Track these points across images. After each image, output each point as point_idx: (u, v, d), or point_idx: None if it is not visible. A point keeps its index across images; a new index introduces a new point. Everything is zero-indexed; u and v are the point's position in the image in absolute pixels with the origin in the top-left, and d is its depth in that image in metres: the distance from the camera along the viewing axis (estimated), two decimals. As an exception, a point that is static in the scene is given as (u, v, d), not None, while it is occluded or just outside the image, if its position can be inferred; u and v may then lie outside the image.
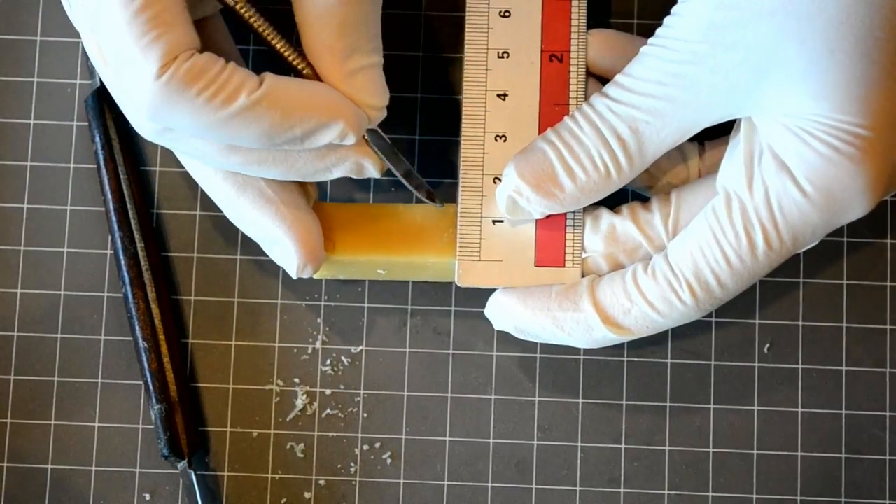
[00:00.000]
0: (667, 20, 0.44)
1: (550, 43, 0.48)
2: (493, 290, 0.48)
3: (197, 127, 0.42)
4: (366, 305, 0.51)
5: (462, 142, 0.48)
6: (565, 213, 0.47)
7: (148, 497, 0.51)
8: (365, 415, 0.51)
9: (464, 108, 0.48)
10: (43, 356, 0.51)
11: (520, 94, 0.48)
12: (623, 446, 0.51)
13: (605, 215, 0.47)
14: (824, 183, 0.42)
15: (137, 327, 0.49)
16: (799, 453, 0.50)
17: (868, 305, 0.51)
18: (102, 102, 0.50)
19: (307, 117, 0.43)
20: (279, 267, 0.51)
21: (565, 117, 0.45)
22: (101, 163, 0.50)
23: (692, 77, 0.43)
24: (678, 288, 0.44)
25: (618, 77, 0.45)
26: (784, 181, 0.43)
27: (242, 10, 0.44)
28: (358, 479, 0.51)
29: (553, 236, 0.47)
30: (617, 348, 0.51)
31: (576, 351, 0.51)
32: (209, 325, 0.51)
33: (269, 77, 0.43)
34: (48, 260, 0.51)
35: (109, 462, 0.51)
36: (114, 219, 0.50)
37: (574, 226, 0.47)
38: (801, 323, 0.51)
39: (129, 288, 0.50)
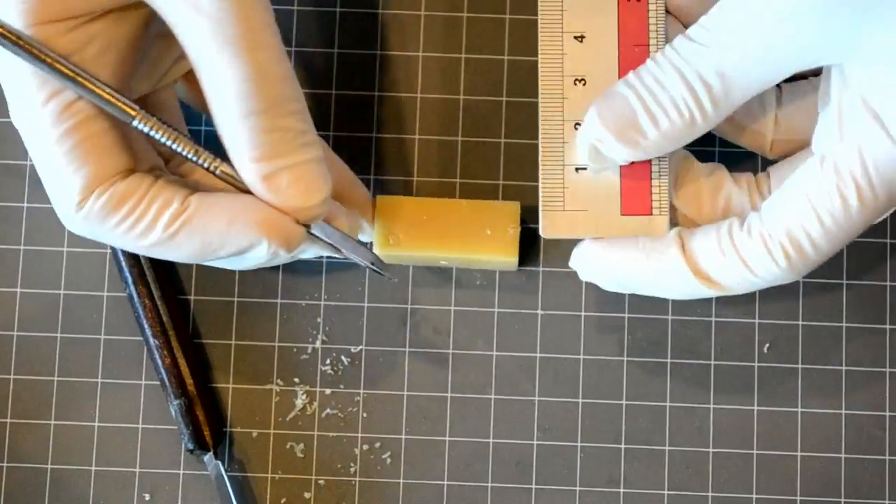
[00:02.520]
0: None
1: None
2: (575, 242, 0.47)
3: (124, 248, 0.43)
4: (366, 305, 0.51)
5: (540, 86, 0.46)
6: (650, 161, 0.45)
7: (148, 497, 0.50)
8: (365, 414, 0.51)
9: (540, 52, 0.46)
10: (43, 356, 0.51)
11: (598, 35, 0.46)
12: (623, 446, 0.51)
13: (727, 181, 0.46)
14: None
15: (146, 326, 0.49)
16: (799, 453, 0.50)
17: (868, 305, 0.51)
18: None
19: (230, 240, 0.42)
20: (279, 266, 0.51)
21: (647, 61, 0.44)
22: None
23: (784, 19, 0.41)
24: (773, 248, 0.43)
25: (703, 19, 0.43)
26: (878, 133, 0.41)
27: (142, 124, 0.42)
28: (358, 479, 0.51)
29: (639, 185, 0.46)
30: (617, 348, 0.51)
31: (575, 351, 0.51)
32: (209, 324, 0.51)
33: (196, 198, 0.42)
34: (48, 259, 0.51)
35: (109, 462, 0.51)
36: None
37: (660, 173, 0.46)
38: (800, 323, 0.51)
39: (133, 287, 0.50)
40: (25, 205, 0.52)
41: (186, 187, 0.43)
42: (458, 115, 0.52)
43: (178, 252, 0.42)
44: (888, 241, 0.51)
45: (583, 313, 0.51)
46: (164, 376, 0.49)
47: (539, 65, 0.46)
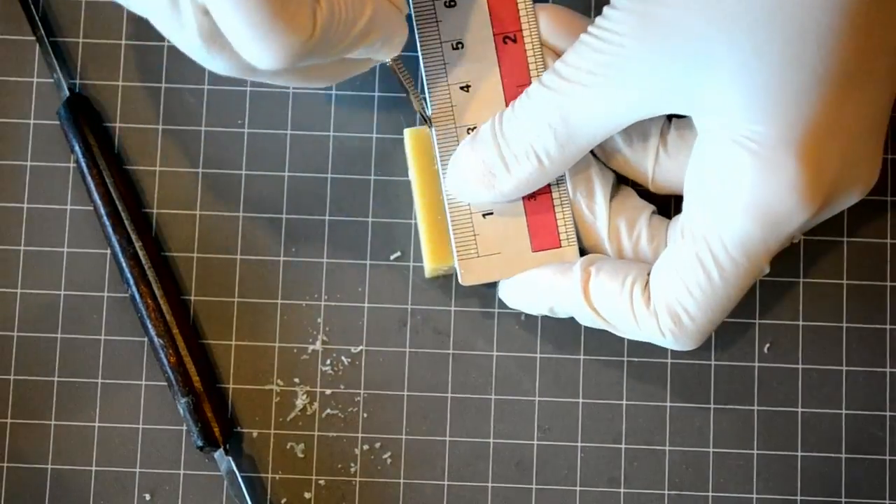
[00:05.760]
0: (605, 10, 0.44)
1: (501, 25, 0.48)
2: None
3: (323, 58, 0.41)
4: (366, 305, 0.51)
5: (437, 140, 0.48)
6: (550, 195, 0.47)
7: (148, 497, 0.50)
8: (365, 415, 0.51)
9: (431, 105, 0.48)
10: (43, 356, 0.51)
11: (482, 83, 0.48)
12: (623, 446, 0.51)
13: (645, 215, 0.48)
14: (759, 198, 0.42)
15: (150, 325, 0.50)
16: (799, 453, 0.50)
17: (868, 305, 0.51)
18: (76, 111, 0.50)
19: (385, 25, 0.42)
20: (279, 267, 0.51)
21: (507, 106, 0.46)
22: (85, 170, 0.50)
23: (622, 70, 0.43)
24: (661, 321, 0.44)
25: (556, 64, 0.45)
26: (724, 202, 0.43)
27: None
28: (358, 479, 0.51)
29: (544, 219, 0.48)
30: (617, 349, 0.51)
31: (576, 351, 0.51)
32: (209, 325, 0.51)
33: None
34: (48, 259, 0.51)
35: (109, 462, 0.51)
36: (107, 223, 0.50)
37: (562, 204, 0.47)
38: (801, 323, 0.51)
39: (134, 288, 0.50)
40: (26, 205, 0.52)
41: None
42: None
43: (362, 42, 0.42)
44: (888, 241, 0.51)
45: (583, 313, 0.51)
46: (171, 375, 0.49)
47: (431, 116, 0.48)
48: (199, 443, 0.49)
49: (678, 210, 0.47)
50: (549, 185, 0.47)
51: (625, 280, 0.45)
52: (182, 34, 0.39)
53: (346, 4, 0.40)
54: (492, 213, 0.48)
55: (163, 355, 0.50)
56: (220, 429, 0.50)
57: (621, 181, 0.49)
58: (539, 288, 0.47)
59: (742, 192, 0.42)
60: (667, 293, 0.44)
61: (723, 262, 0.43)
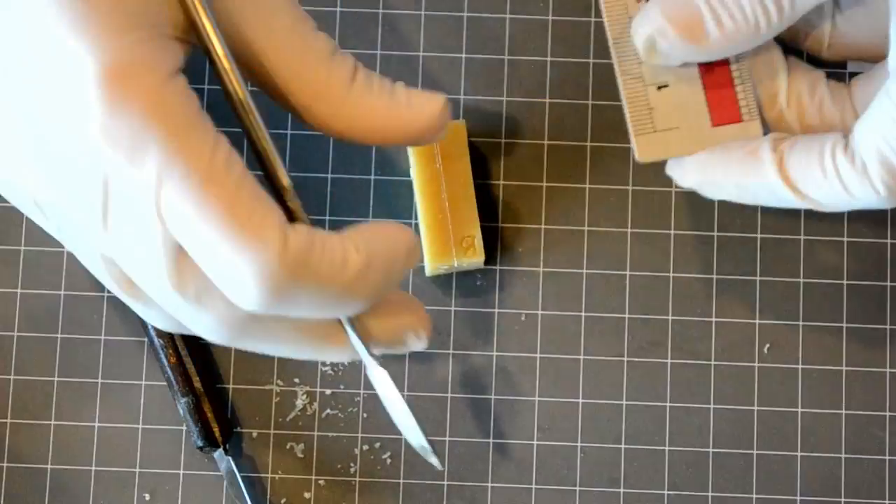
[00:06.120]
0: None
1: None
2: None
3: (319, 302, 0.36)
4: (366, 305, 0.51)
5: (604, 7, 0.45)
6: (729, 68, 0.45)
7: (147, 497, 0.50)
8: (365, 415, 0.51)
9: None
10: (43, 356, 0.51)
11: None
12: (623, 446, 0.51)
13: (822, 80, 0.45)
14: None
15: (150, 326, 0.50)
16: (799, 453, 0.50)
17: (868, 305, 0.51)
18: None
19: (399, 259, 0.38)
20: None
21: None
22: None
23: None
24: (873, 177, 0.42)
25: None
26: None
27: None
28: (358, 479, 0.51)
29: (723, 94, 0.45)
30: (617, 348, 0.51)
31: (576, 351, 0.51)
32: (209, 325, 0.51)
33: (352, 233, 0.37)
34: (49, 260, 0.51)
35: (109, 462, 0.51)
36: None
37: (742, 79, 0.45)
38: (801, 323, 0.51)
39: None
40: (26, 205, 0.52)
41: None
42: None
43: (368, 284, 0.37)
44: (889, 241, 0.51)
45: (583, 314, 0.51)
46: (171, 375, 0.49)
47: None
48: (200, 443, 0.49)
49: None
50: (727, 58, 0.45)
51: (823, 146, 0.43)
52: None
53: (327, 239, 0.36)
54: (667, 86, 0.45)
55: (163, 355, 0.50)
56: (220, 429, 0.50)
57: (788, 52, 0.47)
58: (726, 167, 0.44)
59: None
60: (879, 144, 0.41)
61: None
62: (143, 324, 0.50)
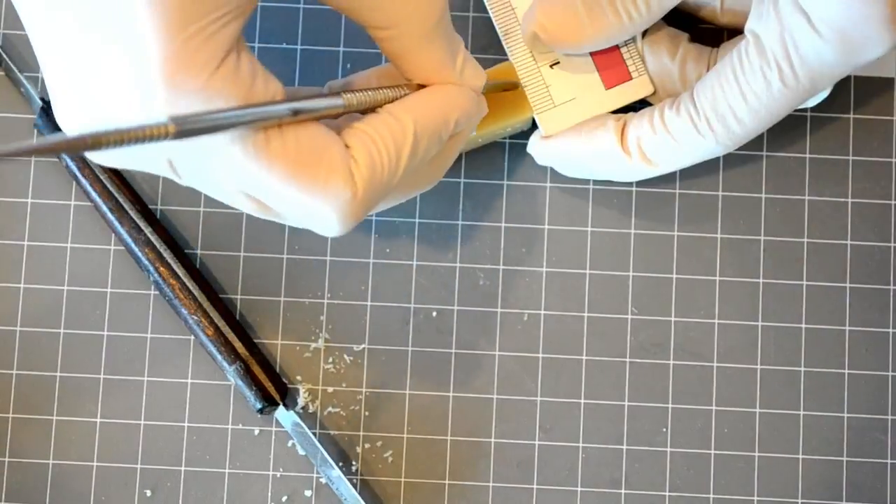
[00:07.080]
0: None
1: None
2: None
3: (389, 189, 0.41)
4: (368, 303, 0.51)
5: (491, 7, 0.49)
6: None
7: (149, 493, 0.50)
8: (367, 413, 0.51)
9: None
10: (45, 351, 0.51)
11: None
12: (625, 447, 0.51)
13: (684, 41, 0.49)
14: (838, 23, 0.43)
15: (180, 305, 0.49)
16: (800, 456, 0.50)
17: (870, 308, 0.51)
18: (52, 119, 0.50)
19: (451, 121, 0.42)
20: (282, 265, 0.51)
21: None
22: (77, 172, 0.50)
23: None
24: (697, 121, 0.46)
25: None
26: (799, 20, 0.43)
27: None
28: (359, 477, 0.51)
29: (610, 56, 0.49)
30: (620, 349, 0.51)
31: (578, 351, 0.51)
32: (212, 321, 0.51)
33: (400, 110, 0.41)
34: (51, 255, 0.51)
35: (111, 458, 0.51)
36: (112, 218, 0.50)
37: (625, 42, 0.49)
38: (803, 325, 0.51)
39: (155, 274, 0.49)
40: (29, 200, 0.52)
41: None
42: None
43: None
44: (892, 244, 0.52)
45: (585, 314, 0.51)
46: (213, 348, 0.49)
47: None
48: (259, 405, 0.49)
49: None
50: None
51: (653, 109, 0.47)
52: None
53: (381, 139, 0.40)
54: (558, 63, 0.49)
55: (199, 331, 0.49)
56: (275, 386, 0.49)
57: (683, 23, 0.50)
58: (575, 141, 0.48)
59: (821, 20, 0.43)
60: (719, 97, 0.45)
61: (787, 78, 0.44)
62: (173, 305, 0.49)
